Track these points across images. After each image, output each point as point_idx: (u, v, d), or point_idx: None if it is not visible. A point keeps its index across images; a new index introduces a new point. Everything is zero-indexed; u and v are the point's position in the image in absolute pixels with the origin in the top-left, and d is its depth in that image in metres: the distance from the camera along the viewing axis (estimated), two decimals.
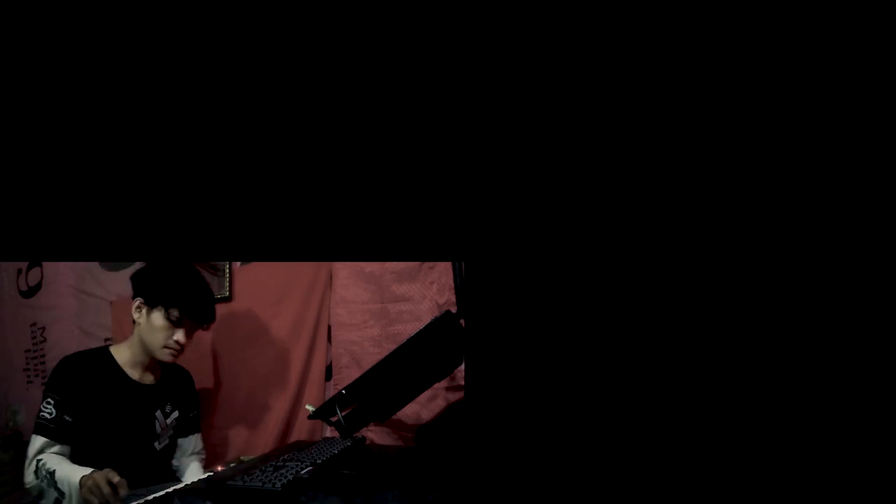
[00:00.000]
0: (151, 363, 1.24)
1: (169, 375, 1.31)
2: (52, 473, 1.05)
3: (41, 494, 1.10)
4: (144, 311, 1.18)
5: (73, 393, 1.13)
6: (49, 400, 1.12)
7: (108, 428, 1.16)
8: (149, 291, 1.17)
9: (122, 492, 0.92)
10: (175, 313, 1.15)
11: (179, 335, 1.17)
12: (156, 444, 1.24)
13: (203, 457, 1.38)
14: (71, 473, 1.01)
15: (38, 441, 1.11)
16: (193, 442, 1.35)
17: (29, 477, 1.11)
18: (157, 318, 1.16)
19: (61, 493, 1.02)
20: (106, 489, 0.90)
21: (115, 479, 0.91)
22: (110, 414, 1.17)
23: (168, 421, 1.27)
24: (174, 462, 1.33)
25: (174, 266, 1.21)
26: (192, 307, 1.17)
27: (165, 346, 1.17)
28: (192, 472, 1.28)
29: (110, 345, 1.27)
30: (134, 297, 1.20)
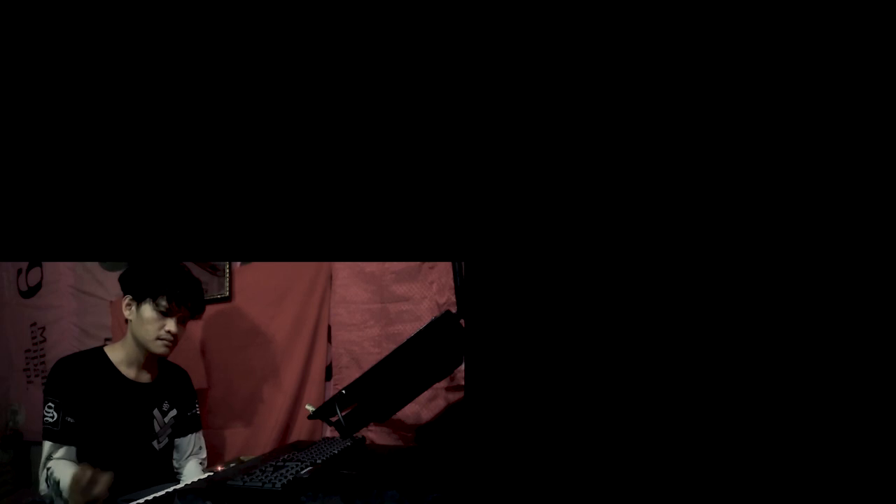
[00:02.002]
0: (147, 362, 1.25)
1: (165, 374, 1.31)
2: (57, 483, 1.06)
3: (53, 502, 1.11)
4: (134, 307, 1.19)
5: (71, 394, 1.14)
6: (50, 404, 1.13)
7: (106, 428, 1.17)
8: (136, 287, 1.18)
9: (101, 485, 0.93)
10: (163, 303, 1.16)
11: (171, 325, 1.18)
12: (154, 443, 1.25)
13: (203, 457, 1.37)
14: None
15: (45, 446, 1.13)
16: (193, 442, 1.34)
17: (42, 485, 1.13)
18: (147, 310, 1.17)
19: (66, 502, 1.03)
20: (84, 482, 0.91)
21: (89, 472, 0.92)
22: (108, 413, 1.17)
23: (166, 420, 1.27)
24: (175, 463, 1.34)
25: (158, 261, 1.22)
26: (180, 295, 1.18)
27: (158, 338, 1.18)
28: (192, 475, 1.28)
29: (105, 345, 1.27)
30: (123, 297, 1.21)
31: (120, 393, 1.20)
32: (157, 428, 1.25)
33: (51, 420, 1.12)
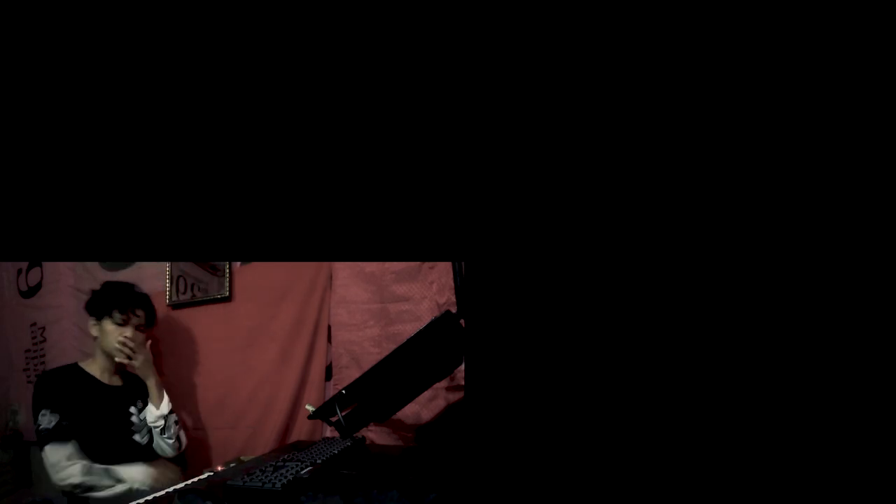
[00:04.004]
0: (116, 370, 1.51)
1: (133, 381, 1.54)
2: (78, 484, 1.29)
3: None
4: (97, 325, 1.47)
5: (61, 400, 1.36)
6: (43, 412, 1.34)
7: (94, 425, 1.37)
8: (95, 310, 1.48)
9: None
10: (118, 315, 1.45)
11: (127, 332, 1.46)
12: (137, 437, 1.44)
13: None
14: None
15: (50, 448, 1.31)
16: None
17: (74, 478, 1.29)
18: (107, 324, 1.46)
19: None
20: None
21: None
22: (93, 412, 1.39)
23: (141, 417, 1.48)
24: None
25: (110, 285, 1.54)
26: (128, 307, 1.47)
27: (118, 345, 1.44)
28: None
29: (78, 360, 1.51)
30: (90, 320, 1.49)
31: (100, 394, 1.44)
32: (135, 422, 1.46)
33: (50, 426, 1.31)
